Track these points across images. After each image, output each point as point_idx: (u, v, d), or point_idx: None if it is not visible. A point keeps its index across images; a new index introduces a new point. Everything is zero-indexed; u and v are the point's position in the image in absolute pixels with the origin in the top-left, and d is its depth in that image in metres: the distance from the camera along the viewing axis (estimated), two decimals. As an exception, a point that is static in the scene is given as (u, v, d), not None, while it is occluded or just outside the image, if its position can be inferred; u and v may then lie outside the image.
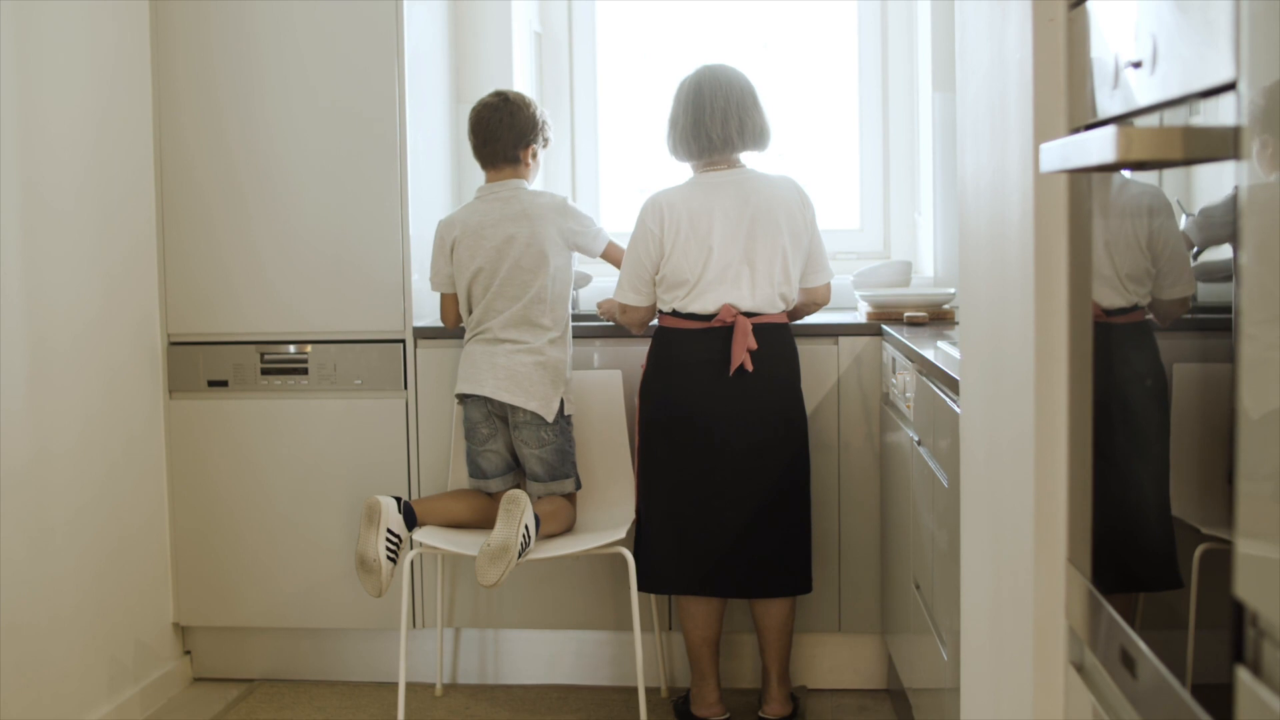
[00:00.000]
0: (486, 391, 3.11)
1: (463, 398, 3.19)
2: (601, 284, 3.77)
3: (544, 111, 3.28)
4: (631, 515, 3.14)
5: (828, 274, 3.13)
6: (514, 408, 3.12)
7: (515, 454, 3.20)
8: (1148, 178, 1.13)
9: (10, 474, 2.81)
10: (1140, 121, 1.08)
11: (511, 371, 3.10)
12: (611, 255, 3.27)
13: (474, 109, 3.25)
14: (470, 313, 3.20)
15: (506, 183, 3.20)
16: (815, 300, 3.14)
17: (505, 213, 3.15)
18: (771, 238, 2.99)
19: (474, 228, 3.17)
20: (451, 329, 3.33)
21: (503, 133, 3.19)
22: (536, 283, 3.12)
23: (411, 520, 3.06)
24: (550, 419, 3.12)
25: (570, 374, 3.20)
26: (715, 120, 3.01)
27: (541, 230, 3.14)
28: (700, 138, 3.02)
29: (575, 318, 3.35)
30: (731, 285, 2.98)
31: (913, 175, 3.99)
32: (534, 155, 3.25)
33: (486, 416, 3.16)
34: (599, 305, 3.38)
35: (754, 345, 2.96)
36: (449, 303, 3.28)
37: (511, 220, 3.14)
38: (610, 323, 3.33)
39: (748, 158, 3.10)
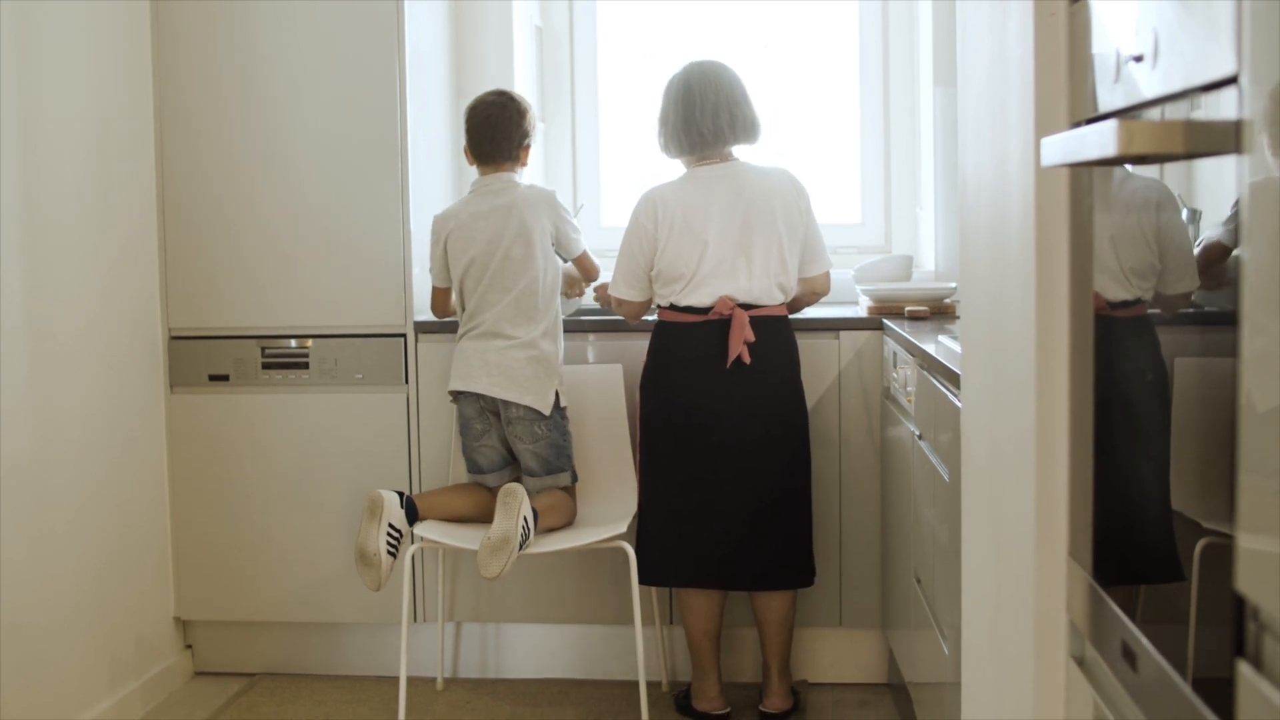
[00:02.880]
0: (480, 388, 3.11)
1: (456, 395, 3.19)
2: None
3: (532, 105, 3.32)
4: (632, 509, 3.14)
5: (826, 263, 3.12)
6: (507, 403, 3.11)
7: (510, 448, 3.20)
8: (1149, 172, 1.13)
9: (11, 469, 2.81)
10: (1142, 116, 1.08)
11: (505, 367, 3.10)
12: (583, 263, 3.29)
13: (474, 107, 3.24)
14: (464, 308, 3.20)
15: (499, 176, 3.21)
16: (815, 290, 3.14)
17: (496, 204, 3.16)
18: (767, 229, 2.99)
19: (466, 220, 3.17)
20: (440, 319, 3.34)
21: (512, 131, 3.20)
22: (527, 274, 3.12)
23: (413, 515, 3.06)
24: (547, 412, 3.12)
25: (562, 367, 3.21)
26: (706, 116, 3.01)
27: (532, 221, 3.14)
28: (691, 134, 3.03)
29: (578, 311, 3.35)
30: (728, 277, 2.98)
31: (914, 170, 3.99)
32: (529, 151, 3.27)
33: (480, 412, 3.16)
34: (595, 290, 3.39)
35: (751, 337, 2.96)
36: (439, 295, 3.29)
37: (503, 211, 3.15)
38: (605, 310, 3.34)
39: (740, 151, 3.10)
